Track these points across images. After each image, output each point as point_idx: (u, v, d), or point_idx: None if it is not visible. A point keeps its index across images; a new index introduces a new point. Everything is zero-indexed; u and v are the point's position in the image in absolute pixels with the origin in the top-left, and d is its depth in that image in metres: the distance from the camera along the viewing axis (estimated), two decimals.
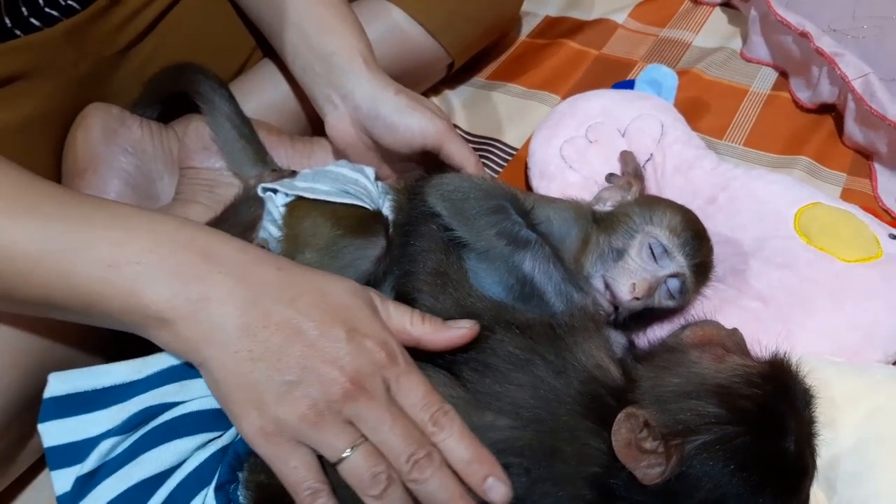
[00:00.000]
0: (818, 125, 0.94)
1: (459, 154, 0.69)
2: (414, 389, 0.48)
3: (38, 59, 0.71)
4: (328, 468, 0.47)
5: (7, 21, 0.69)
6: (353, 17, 0.75)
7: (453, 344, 0.52)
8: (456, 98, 1.02)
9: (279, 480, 0.46)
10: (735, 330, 0.57)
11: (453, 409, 0.49)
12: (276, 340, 0.47)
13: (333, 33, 0.73)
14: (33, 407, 0.51)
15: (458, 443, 0.47)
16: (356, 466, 0.46)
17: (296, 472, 0.46)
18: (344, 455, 0.46)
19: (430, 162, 0.73)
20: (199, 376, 0.50)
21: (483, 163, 0.91)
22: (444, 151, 0.69)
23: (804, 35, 0.93)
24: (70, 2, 0.73)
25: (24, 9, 0.70)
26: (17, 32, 0.70)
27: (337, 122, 0.74)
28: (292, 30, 0.74)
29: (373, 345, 0.48)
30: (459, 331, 0.52)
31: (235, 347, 0.47)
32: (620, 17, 1.14)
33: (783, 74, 1.01)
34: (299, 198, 0.66)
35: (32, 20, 0.71)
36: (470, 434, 0.48)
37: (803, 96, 0.96)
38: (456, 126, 0.97)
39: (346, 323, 0.48)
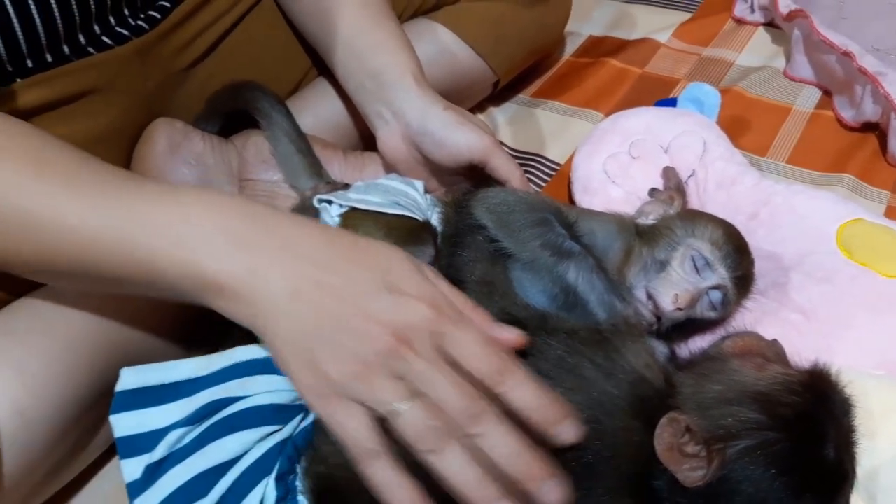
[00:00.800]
0: (862, 143, 0.94)
1: (505, 168, 0.72)
2: (469, 340, 0.48)
3: (110, 76, 0.76)
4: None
5: (81, 39, 0.74)
6: (403, 36, 0.78)
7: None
8: (501, 115, 1.05)
9: (337, 471, 0.49)
10: (775, 341, 0.59)
11: (513, 355, 0.49)
12: (323, 302, 0.48)
13: (384, 52, 0.76)
14: (104, 400, 0.55)
15: (525, 388, 0.47)
16: (412, 421, 0.45)
17: (356, 432, 0.46)
18: (398, 408, 0.45)
19: (476, 175, 0.75)
20: (261, 373, 0.53)
21: (528, 177, 0.94)
22: (490, 165, 0.72)
23: (847, 55, 0.93)
24: (140, 22, 0.78)
25: (96, 27, 0.75)
26: (91, 50, 0.75)
27: (388, 137, 0.77)
28: (345, 48, 0.78)
29: (416, 301, 0.48)
30: (505, 333, 0.52)
31: (286, 310, 0.48)
32: (663, 37, 1.16)
33: (826, 93, 1.02)
34: (352, 209, 0.69)
35: (105, 39, 0.76)
36: (536, 380, 0.48)
37: (847, 115, 0.97)
38: (500, 142, 1.00)
39: (389, 281, 0.49)
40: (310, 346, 0.48)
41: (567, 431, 0.47)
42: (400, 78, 0.74)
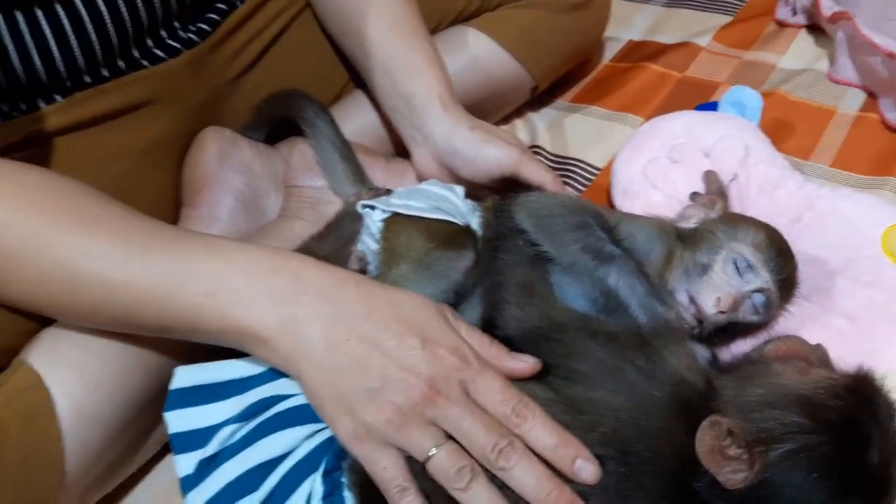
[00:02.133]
0: None
1: (536, 175, 0.72)
2: (491, 387, 0.52)
3: (163, 88, 0.79)
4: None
5: (135, 53, 0.77)
6: (433, 54, 0.80)
7: (511, 375, 0.55)
8: (539, 120, 1.06)
9: None
10: (819, 345, 0.58)
11: (532, 400, 0.52)
12: (358, 352, 0.52)
13: (415, 75, 0.78)
14: (159, 398, 0.57)
15: (541, 430, 0.51)
16: (442, 463, 0.50)
17: (385, 471, 0.50)
18: (430, 454, 0.50)
19: (512, 186, 0.76)
20: None
21: (566, 182, 0.95)
22: (521, 175, 0.73)
23: (892, 56, 0.92)
24: (190, 34, 0.81)
25: (149, 41, 0.78)
26: (145, 63, 0.78)
27: (421, 158, 0.79)
28: (380, 70, 0.80)
29: (445, 351, 0.52)
30: (520, 364, 0.55)
31: (323, 361, 0.52)
32: (704, 41, 1.15)
33: (871, 95, 1.00)
34: (395, 214, 0.70)
35: (157, 52, 0.79)
36: (552, 421, 0.51)
37: (892, 117, 0.95)
38: (539, 147, 1.01)
39: (420, 333, 0.53)
40: (346, 393, 0.51)
41: (584, 470, 0.50)
42: (428, 102, 0.76)
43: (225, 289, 0.53)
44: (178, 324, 0.55)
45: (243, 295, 0.53)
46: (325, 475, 0.52)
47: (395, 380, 0.51)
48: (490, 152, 0.73)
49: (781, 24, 1.16)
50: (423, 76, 0.77)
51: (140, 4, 0.74)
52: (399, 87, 0.78)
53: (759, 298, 0.61)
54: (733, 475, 0.48)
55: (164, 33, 0.79)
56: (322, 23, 0.88)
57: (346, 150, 0.83)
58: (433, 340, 0.53)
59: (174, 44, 0.80)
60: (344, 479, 0.53)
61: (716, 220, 0.65)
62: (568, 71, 1.07)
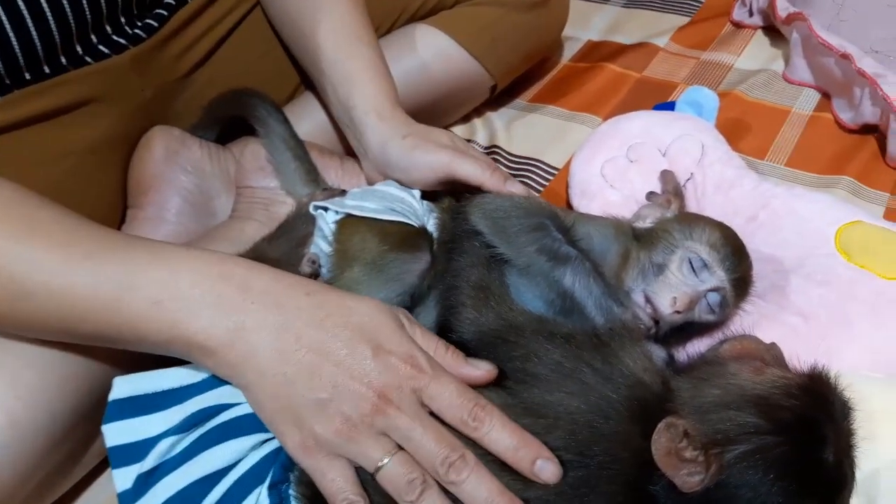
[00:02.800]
0: (861, 145, 0.94)
1: (472, 175, 0.70)
2: (446, 392, 0.51)
3: (108, 85, 0.76)
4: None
5: (79, 49, 0.74)
6: (376, 62, 0.78)
7: (468, 381, 0.53)
8: (499, 120, 1.05)
9: None
10: (773, 344, 0.58)
11: (490, 402, 0.51)
12: (307, 362, 0.50)
13: (355, 85, 0.76)
14: (97, 412, 0.54)
15: (500, 432, 0.50)
16: (392, 474, 0.49)
17: (334, 483, 0.49)
18: (380, 465, 0.49)
19: (468, 188, 0.75)
20: None
21: (525, 182, 0.94)
22: (457, 177, 0.71)
23: (846, 57, 0.93)
24: (136, 30, 0.78)
25: (93, 37, 0.75)
26: (88, 59, 0.75)
27: (366, 168, 0.78)
28: (324, 79, 0.79)
29: (398, 359, 0.51)
30: (476, 371, 0.54)
31: (272, 371, 0.50)
32: (662, 41, 1.16)
33: (825, 95, 1.02)
34: (349, 215, 0.69)
35: (102, 48, 0.76)
36: (511, 422, 0.50)
37: (846, 117, 0.96)
38: (498, 147, 1.00)
39: (372, 341, 0.51)
40: (295, 403, 0.50)
41: (545, 469, 0.49)
42: (365, 115, 0.75)
43: (171, 297, 0.51)
44: (124, 334, 0.52)
45: (190, 304, 0.51)
46: (272, 488, 0.51)
47: (345, 390, 0.50)
48: (421, 159, 0.71)
49: (738, 25, 1.17)
50: (361, 87, 0.76)
51: None
52: (340, 98, 0.77)
53: (714, 297, 0.60)
54: (690, 478, 0.48)
55: (108, 29, 0.76)
56: (273, 27, 0.87)
57: (300, 150, 0.81)
58: (385, 348, 0.51)
59: (119, 40, 0.77)
60: (292, 492, 0.51)
61: (671, 220, 0.65)
62: (527, 70, 1.07)
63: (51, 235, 0.53)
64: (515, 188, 0.69)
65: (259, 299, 0.52)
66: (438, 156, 0.70)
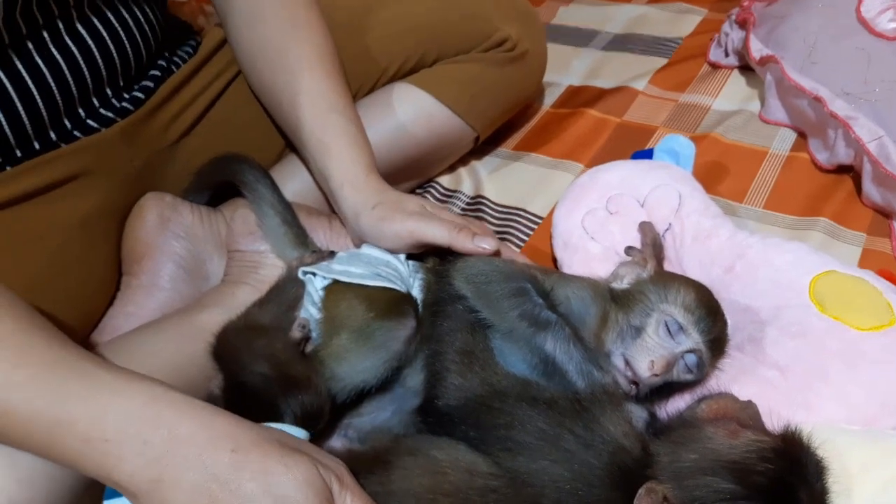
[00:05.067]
0: (837, 185, 0.96)
1: (439, 238, 0.71)
2: None
3: (96, 159, 0.78)
4: None
5: (67, 124, 0.76)
6: (351, 130, 0.79)
7: None
8: (483, 169, 1.07)
9: None
10: (749, 403, 0.60)
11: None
12: None
13: (329, 157, 0.78)
14: (95, 491, 0.56)
15: None
16: None
17: None
18: None
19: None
20: None
21: (509, 233, 0.96)
22: (425, 243, 0.72)
23: (818, 99, 0.96)
24: (124, 103, 0.81)
25: (81, 111, 0.77)
26: (78, 134, 0.77)
27: (350, 232, 0.80)
28: (303, 149, 0.81)
29: None
30: None
31: None
32: (640, 84, 1.18)
33: (802, 135, 1.04)
34: (336, 281, 0.71)
35: (90, 122, 0.78)
36: None
37: (821, 157, 0.99)
38: (483, 197, 1.02)
39: None
40: None
41: None
42: (339, 188, 0.77)
43: (99, 437, 0.51)
44: (63, 462, 0.53)
45: (115, 448, 0.50)
46: None
47: None
48: (388, 229, 0.73)
49: (714, 66, 1.20)
50: (336, 158, 0.78)
51: (68, 74, 0.73)
52: (319, 167, 0.79)
53: (691, 358, 0.62)
54: None
55: (96, 102, 0.78)
56: (255, 95, 0.89)
57: (288, 214, 0.83)
58: None
59: (107, 113, 0.79)
60: None
61: (647, 282, 0.67)
62: (510, 118, 1.09)
63: (5, 349, 0.53)
64: (485, 243, 0.70)
65: (181, 452, 0.50)
66: (405, 224, 0.72)
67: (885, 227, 0.90)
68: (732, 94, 1.14)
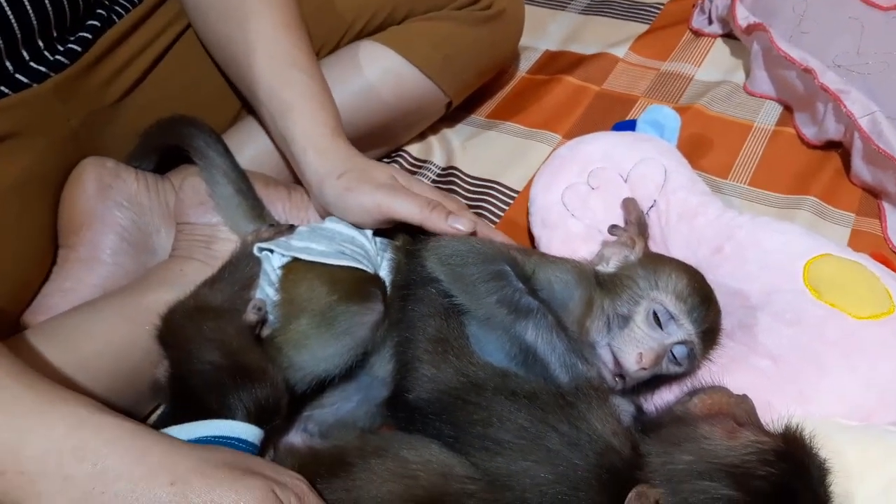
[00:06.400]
0: (825, 162, 0.92)
1: (409, 214, 0.66)
2: None
3: (28, 117, 0.70)
4: None
5: None
6: (315, 88, 0.73)
7: None
8: (456, 138, 1.01)
9: None
10: (744, 397, 0.56)
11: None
12: None
13: (291, 117, 0.71)
14: None
15: None
16: None
17: None
18: None
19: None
20: None
21: (483, 207, 0.90)
22: (394, 219, 0.67)
23: (808, 71, 0.91)
24: (58, 56, 0.72)
25: (8, 64, 0.69)
26: (5, 90, 0.69)
27: (313, 202, 0.74)
28: (262, 108, 0.74)
29: None
30: None
31: None
32: (621, 51, 1.12)
33: (788, 108, 1.00)
34: (295, 259, 0.64)
35: (19, 76, 0.70)
36: None
37: (809, 132, 0.95)
38: (455, 168, 0.96)
39: None
40: None
41: None
42: (303, 152, 0.70)
43: (14, 469, 0.45)
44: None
45: (31, 483, 0.45)
46: None
47: None
48: (354, 201, 0.67)
49: (697, 34, 1.15)
50: (298, 118, 0.71)
51: None
52: (279, 129, 0.72)
53: (681, 350, 0.58)
54: None
55: (25, 54, 0.70)
56: (207, 51, 0.81)
57: (242, 183, 0.76)
58: None
59: (39, 67, 0.71)
60: None
61: (635, 265, 0.61)
62: (484, 83, 1.03)
63: None
64: (459, 224, 0.64)
65: (110, 488, 0.45)
66: (373, 197, 0.66)
67: (874, 207, 0.86)
68: (716, 63, 1.09)
